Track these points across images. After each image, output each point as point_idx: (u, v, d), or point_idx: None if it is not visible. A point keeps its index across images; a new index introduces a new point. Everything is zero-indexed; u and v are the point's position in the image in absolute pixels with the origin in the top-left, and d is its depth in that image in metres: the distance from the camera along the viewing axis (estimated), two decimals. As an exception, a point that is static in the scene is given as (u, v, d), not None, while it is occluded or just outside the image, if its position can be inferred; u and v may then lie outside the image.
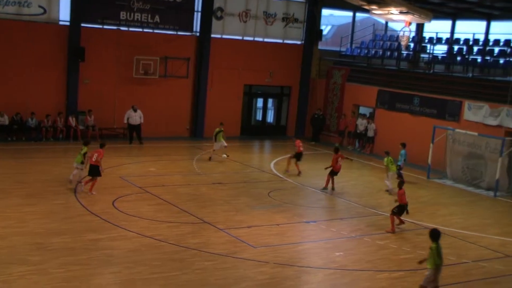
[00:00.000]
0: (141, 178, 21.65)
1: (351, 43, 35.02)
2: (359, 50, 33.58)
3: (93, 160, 18.90)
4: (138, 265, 13.51)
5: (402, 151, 23.61)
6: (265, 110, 34.53)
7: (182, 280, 12.93)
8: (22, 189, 19.05)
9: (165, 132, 29.99)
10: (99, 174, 19.09)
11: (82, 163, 19.41)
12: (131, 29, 28.92)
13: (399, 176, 22.59)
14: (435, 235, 12.12)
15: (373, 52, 33.08)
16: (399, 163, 23.21)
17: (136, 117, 28.09)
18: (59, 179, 20.46)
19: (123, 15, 28.45)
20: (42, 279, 12.34)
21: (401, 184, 18.01)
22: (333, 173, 21.97)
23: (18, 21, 26.30)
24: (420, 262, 12.65)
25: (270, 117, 35.07)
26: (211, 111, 31.08)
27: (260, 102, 34.35)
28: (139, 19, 28.85)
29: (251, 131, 33.19)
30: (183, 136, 30.61)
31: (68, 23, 27.48)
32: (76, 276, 12.67)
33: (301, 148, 24.09)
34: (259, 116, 34.64)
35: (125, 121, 28.07)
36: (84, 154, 19.35)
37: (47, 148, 25.88)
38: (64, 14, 27.44)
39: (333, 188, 21.93)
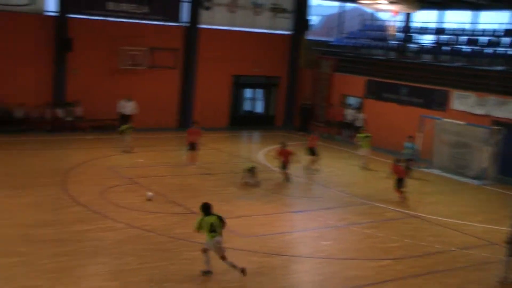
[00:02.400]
0: (129, 169, 21.63)
1: (339, 33, 35.04)
2: (347, 40, 33.61)
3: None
4: (126, 255, 13.54)
5: (407, 144, 23.93)
6: (254, 101, 34.49)
7: (170, 270, 12.98)
8: (10, 181, 18.96)
9: (153, 123, 29.91)
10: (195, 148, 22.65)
11: (123, 133, 24.06)
12: (118, 19, 28.81)
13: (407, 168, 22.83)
14: (203, 207, 12.66)
15: (361, 42, 33.13)
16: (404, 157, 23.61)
17: (128, 108, 28.06)
18: (47, 171, 20.42)
19: (110, 5, 28.31)
20: (30, 271, 12.34)
21: (398, 160, 20.67)
22: None
23: (3, 12, 26.05)
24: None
25: (259, 108, 35.07)
26: (199, 102, 31.06)
27: (248, 92, 34.31)
28: (127, 9, 28.72)
29: (240, 121, 33.16)
30: (171, 127, 30.55)
31: (54, 14, 27.31)
32: (63, 267, 12.68)
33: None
34: (247, 107, 34.61)
35: (120, 110, 28.01)
36: (123, 131, 23.92)
37: (35, 139, 25.72)
38: (50, 4, 27.30)
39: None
